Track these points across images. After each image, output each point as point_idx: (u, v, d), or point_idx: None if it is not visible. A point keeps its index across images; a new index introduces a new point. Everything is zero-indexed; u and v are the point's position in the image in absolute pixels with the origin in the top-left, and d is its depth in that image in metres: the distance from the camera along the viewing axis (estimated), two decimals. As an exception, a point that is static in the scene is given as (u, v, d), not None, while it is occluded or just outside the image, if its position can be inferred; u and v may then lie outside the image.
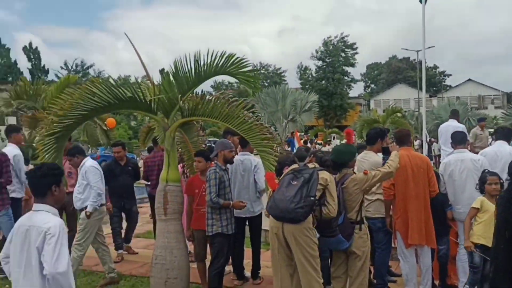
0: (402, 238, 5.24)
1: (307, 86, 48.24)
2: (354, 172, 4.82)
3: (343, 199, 4.53)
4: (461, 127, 8.53)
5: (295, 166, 4.67)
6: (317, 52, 55.28)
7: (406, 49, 65.51)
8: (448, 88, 68.11)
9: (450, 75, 77.06)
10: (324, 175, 4.44)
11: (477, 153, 6.14)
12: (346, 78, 55.33)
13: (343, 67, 54.61)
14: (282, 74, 60.13)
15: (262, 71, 59.72)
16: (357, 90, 73.55)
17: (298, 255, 4.35)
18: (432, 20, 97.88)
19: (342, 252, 4.67)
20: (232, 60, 5.31)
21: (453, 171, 5.37)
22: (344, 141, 7.94)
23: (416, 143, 21.09)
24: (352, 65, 55.17)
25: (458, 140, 5.59)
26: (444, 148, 8.67)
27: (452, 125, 8.79)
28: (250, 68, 5.60)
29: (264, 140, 4.92)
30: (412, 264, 5.25)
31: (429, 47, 40.03)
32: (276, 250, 4.53)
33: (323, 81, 53.99)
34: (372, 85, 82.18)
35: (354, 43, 55.20)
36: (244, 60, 5.40)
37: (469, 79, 61.42)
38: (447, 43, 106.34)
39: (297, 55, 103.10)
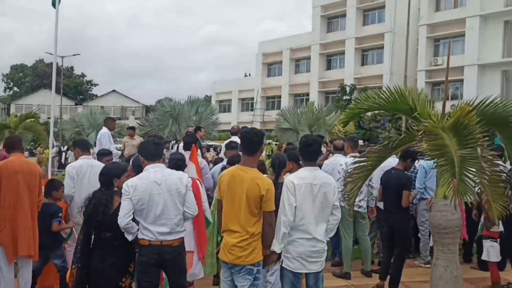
0: (5, 252, 4.80)
1: None
2: None
3: None
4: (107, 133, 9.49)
5: None
6: None
7: (50, 53, 63.24)
8: (94, 97, 69.57)
9: (97, 84, 79.07)
10: None
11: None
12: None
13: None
14: None
15: None
16: (-3, 91, 66.27)
17: None
18: (85, 29, 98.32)
19: None
20: None
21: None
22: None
23: (53, 150, 20.51)
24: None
25: None
26: None
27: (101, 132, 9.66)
28: None
29: None
30: (11, 279, 4.85)
31: (75, 55, 40.15)
32: None
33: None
34: (16, 88, 75.74)
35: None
36: None
37: (114, 90, 64.58)
38: (99, 53, 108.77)
39: None
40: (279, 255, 4.04)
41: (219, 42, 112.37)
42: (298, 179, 4.06)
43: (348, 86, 34.96)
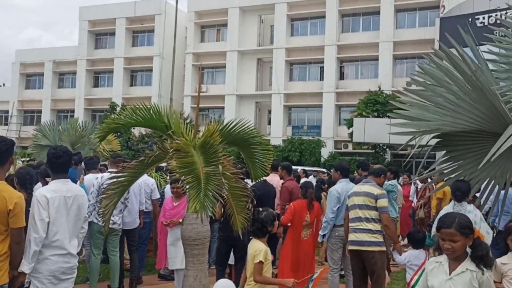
0: None
1: None
2: None
3: None
4: None
5: None
6: None
7: None
8: None
9: None
10: None
11: None
12: None
13: None
14: None
15: None
16: None
17: None
18: None
19: None
20: None
21: None
22: None
23: None
24: None
25: None
26: None
27: None
28: None
29: None
30: None
31: None
32: None
33: None
34: None
35: None
36: None
37: None
38: None
39: None
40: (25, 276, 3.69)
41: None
42: (51, 192, 3.82)
43: (119, 106, 34.37)
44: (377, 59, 32.26)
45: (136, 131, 29.45)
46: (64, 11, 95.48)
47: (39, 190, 3.93)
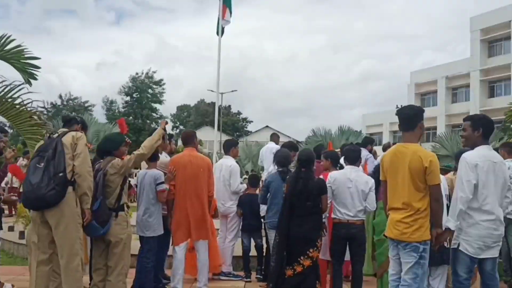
0: (172, 235, 5.48)
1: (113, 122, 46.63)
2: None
3: (103, 185, 4.43)
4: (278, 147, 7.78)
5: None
6: (124, 87, 54.54)
7: (212, 91, 68.88)
8: (249, 133, 73.77)
9: (252, 121, 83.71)
10: None
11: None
12: (154, 114, 55.58)
13: (151, 104, 54.80)
14: (89, 107, 57.62)
15: (69, 103, 56.02)
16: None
17: (61, 241, 4.09)
18: (243, 70, 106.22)
19: (101, 241, 4.51)
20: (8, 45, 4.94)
21: None
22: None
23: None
24: (160, 102, 55.74)
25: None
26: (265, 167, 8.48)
27: (269, 147, 8.46)
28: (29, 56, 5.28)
29: (33, 126, 4.57)
30: (180, 259, 5.37)
31: (232, 91, 43.61)
32: (36, 244, 4.18)
33: (131, 117, 53.25)
34: (181, 127, 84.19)
35: (161, 80, 55.83)
36: (22, 48, 5.13)
37: (267, 126, 67.76)
38: (255, 92, 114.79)
39: (114, 91, 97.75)
40: (452, 234, 3.86)
41: (373, 77, 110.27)
42: (480, 157, 3.89)
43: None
44: None
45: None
46: (456, 29, 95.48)
47: (468, 153, 3.96)
